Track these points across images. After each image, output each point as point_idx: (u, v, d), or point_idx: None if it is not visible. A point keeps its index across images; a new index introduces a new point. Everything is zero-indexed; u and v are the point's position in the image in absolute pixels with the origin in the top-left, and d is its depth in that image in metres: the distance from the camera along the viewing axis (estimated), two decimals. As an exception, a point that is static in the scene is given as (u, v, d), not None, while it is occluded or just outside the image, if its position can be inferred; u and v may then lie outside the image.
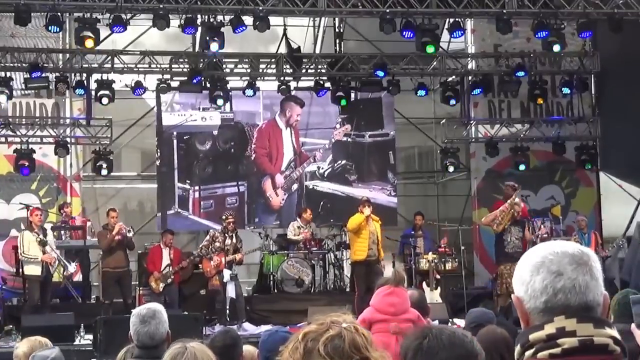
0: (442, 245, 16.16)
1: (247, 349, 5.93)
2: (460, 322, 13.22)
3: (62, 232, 16.02)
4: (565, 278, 2.18)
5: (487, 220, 14.77)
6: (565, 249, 2.23)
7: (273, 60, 18.09)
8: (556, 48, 16.11)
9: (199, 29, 16.03)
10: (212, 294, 14.94)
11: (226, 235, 14.93)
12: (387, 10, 15.23)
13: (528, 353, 2.17)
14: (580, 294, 2.17)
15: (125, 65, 17.04)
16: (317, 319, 2.35)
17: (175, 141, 18.22)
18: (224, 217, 15.22)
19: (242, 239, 15.63)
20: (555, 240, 15.55)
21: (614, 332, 2.17)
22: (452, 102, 18.09)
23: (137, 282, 16.15)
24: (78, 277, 16.52)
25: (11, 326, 13.60)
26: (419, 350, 2.58)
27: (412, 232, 16.65)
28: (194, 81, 16.86)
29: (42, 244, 13.86)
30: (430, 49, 15.70)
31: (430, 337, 2.53)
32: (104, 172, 17.09)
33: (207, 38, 15.31)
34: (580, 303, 2.17)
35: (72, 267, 14.73)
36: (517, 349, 2.21)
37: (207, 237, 15.46)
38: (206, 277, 15.08)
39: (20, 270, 14.32)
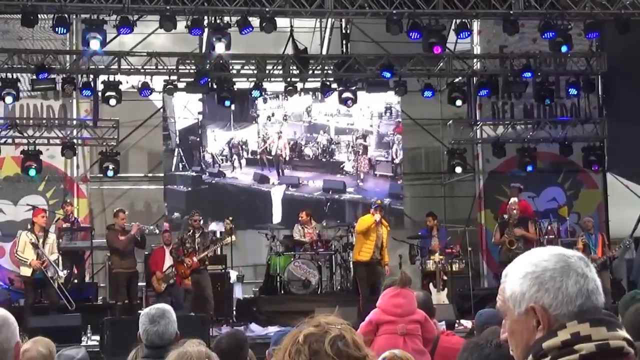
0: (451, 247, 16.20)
1: None
2: (467, 324, 13.23)
3: (65, 233, 16.03)
4: (590, 280, 2.15)
5: (496, 242, 15.16)
6: (570, 251, 2.20)
7: (280, 61, 18.09)
8: (563, 49, 16.10)
9: (206, 30, 16.04)
10: (184, 291, 14.94)
11: (194, 233, 14.84)
12: (394, 11, 15.23)
13: None
14: (600, 295, 2.16)
15: (132, 67, 17.06)
16: (308, 321, 2.35)
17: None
18: (189, 216, 15.31)
19: (249, 240, 15.64)
20: (562, 240, 15.58)
21: (626, 334, 2.14)
22: (459, 103, 18.06)
23: (145, 284, 16.18)
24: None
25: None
26: (467, 346, 2.67)
27: (424, 233, 16.64)
28: (201, 82, 16.88)
29: (34, 246, 13.87)
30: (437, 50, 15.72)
31: (482, 336, 2.62)
32: (111, 173, 17.07)
33: (214, 39, 15.32)
34: (602, 304, 2.15)
35: (62, 274, 14.66)
36: (530, 359, 2.13)
37: (176, 240, 15.24)
38: (180, 276, 14.95)
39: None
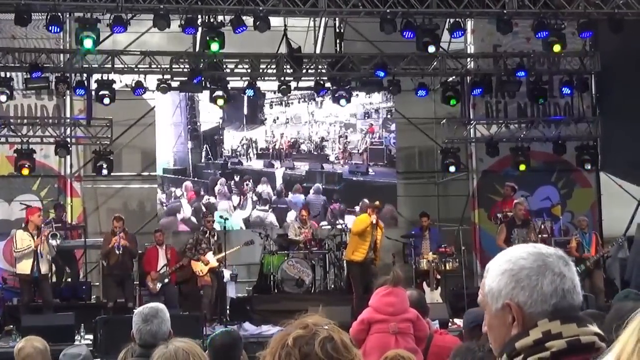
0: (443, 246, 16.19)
1: None
2: (461, 322, 13.25)
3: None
4: (567, 279, 2.18)
5: (501, 244, 15.06)
6: (550, 249, 2.24)
7: (273, 60, 18.09)
8: (556, 48, 16.11)
9: (200, 29, 16.03)
10: (201, 288, 15.48)
11: (209, 235, 15.63)
12: (388, 11, 15.23)
13: None
14: (577, 294, 2.20)
15: (126, 66, 17.04)
16: (295, 323, 2.36)
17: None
18: (203, 217, 16.31)
19: (243, 239, 15.73)
20: (555, 240, 15.57)
21: (597, 329, 2.18)
22: (453, 102, 18.07)
23: (137, 283, 16.17)
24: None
25: (11, 326, 13.61)
26: (459, 350, 2.65)
27: (417, 232, 16.64)
28: (195, 81, 16.89)
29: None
30: (431, 49, 15.72)
31: (480, 342, 2.67)
32: (105, 172, 17.09)
33: (208, 38, 15.31)
34: (578, 303, 2.18)
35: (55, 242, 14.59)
36: (504, 358, 2.17)
37: (190, 240, 15.81)
38: (198, 275, 15.51)
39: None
